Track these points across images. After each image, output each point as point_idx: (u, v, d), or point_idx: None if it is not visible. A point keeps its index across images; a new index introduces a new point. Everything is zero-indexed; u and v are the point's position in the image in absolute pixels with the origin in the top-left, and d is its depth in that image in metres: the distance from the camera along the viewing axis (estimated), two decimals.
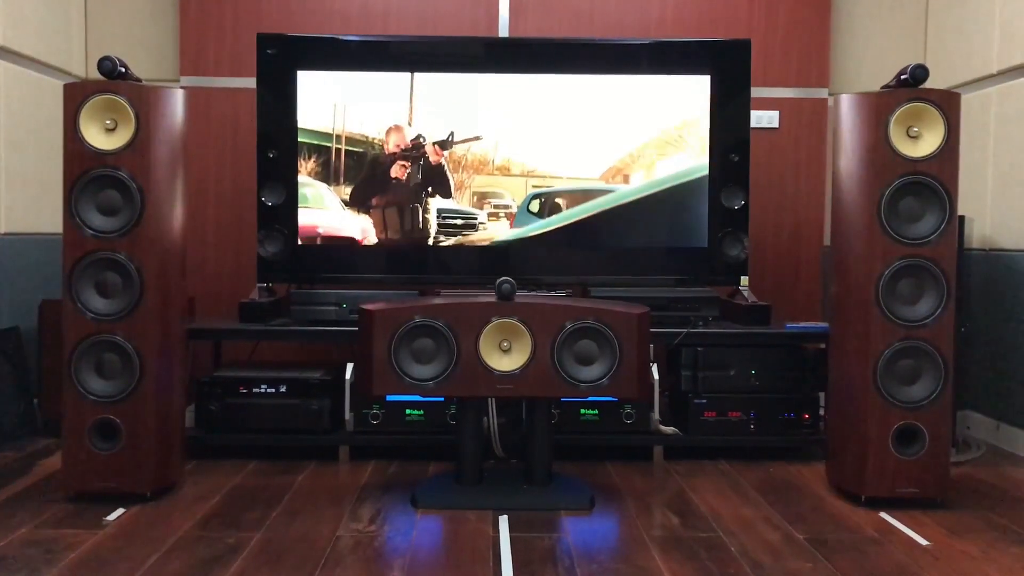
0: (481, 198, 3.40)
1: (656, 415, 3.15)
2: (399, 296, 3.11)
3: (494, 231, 3.38)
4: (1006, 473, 3.01)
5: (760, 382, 3.17)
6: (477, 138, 3.34)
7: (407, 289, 3.35)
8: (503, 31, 3.78)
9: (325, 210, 3.36)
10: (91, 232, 2.52)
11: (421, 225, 3.36)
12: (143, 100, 2.53)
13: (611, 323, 2.57)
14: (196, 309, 3.60)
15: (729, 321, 3.34)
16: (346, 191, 3.35)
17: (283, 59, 3.33)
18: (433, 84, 3.36)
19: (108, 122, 2.53)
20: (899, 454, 2.58)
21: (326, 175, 3.34)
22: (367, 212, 3.36)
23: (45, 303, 3.34)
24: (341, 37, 3.49)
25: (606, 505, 2.64)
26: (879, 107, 2.56)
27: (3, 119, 3.26)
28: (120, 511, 2.50)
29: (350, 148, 3.35)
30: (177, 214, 2.65)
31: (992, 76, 3.45)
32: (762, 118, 3.78)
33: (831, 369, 2.75)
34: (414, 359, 2.58)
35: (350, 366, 3.10)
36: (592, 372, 2.59)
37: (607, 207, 3.40)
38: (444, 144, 3.35)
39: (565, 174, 3.40)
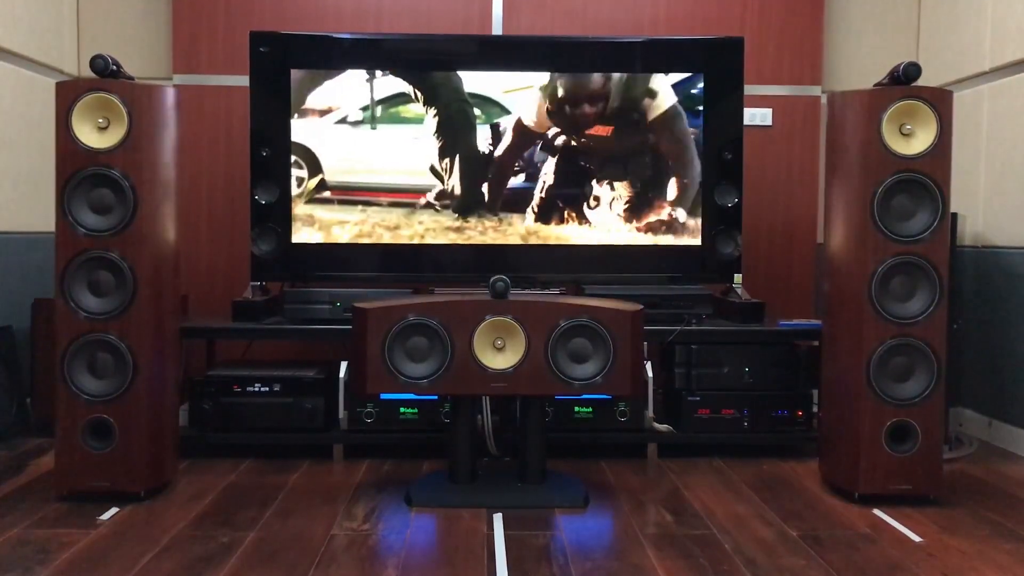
0: None
1: (650, 413, 3.16)
2: (393, 294, 3.11)
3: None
4: (999, 470, 3.02)
5: (753, 379, 3.17)
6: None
7: (401, 287, 3.34)
8: (496, 29, 3.77)
9: None
10: (84, 231, 2.51)
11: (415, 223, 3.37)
12: (135, 98, 2.52)
13: (605, 321, 2.58)
14: (189, 308, 3.60)
15: (723, 319, 3.34)
16: None
17: (276, 57, 3.33)
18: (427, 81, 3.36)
19: (101, 120, 2.52)
20: (892, 451, 2.58)
21: None
22: None
23: (38, 302, 3.33)
24: (334, 35, 3.48)
25: (600, 503, 2.65)
26: (872, 105, 2.56)
27: None
28: (114, 510, 2.50)
29: None
30: (170, 212, 2.65)
31: (984, 73, 3.46)
32: (755, 116, 3.79)
33: (824, 366, 2.76)
34: (408, 357, 2.58)
35: (344, 364, 3.10)
36: (586, 370, 2.59)
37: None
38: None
39: None
